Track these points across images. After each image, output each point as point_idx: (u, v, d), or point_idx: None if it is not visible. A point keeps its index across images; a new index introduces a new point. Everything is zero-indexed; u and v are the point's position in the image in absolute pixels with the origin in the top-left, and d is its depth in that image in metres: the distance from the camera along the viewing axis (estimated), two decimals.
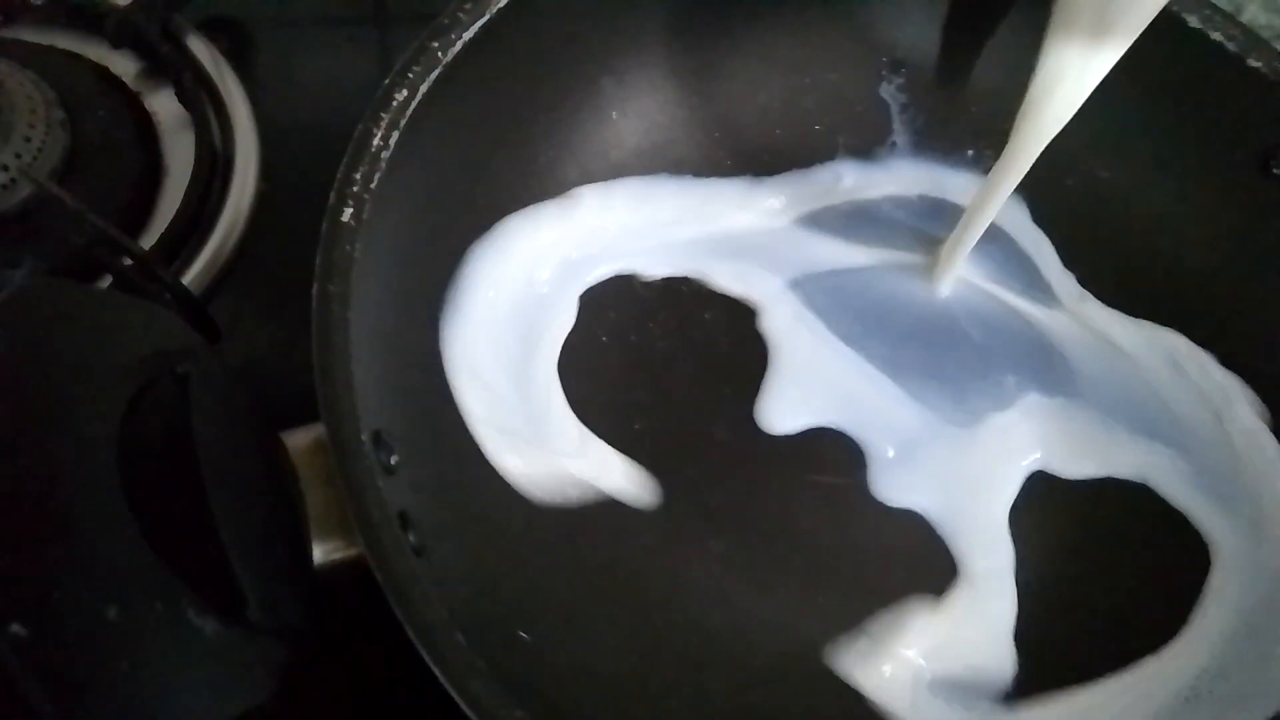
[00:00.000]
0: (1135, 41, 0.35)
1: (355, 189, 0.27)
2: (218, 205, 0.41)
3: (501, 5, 0.31)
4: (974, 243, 0.34)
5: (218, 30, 0.45)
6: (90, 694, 0.17)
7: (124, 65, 0.44)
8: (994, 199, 0.32)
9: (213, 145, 0.42)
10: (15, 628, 0.17)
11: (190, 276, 0.38)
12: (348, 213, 0.26)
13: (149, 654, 0.18)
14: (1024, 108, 0.30)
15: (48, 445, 0.19)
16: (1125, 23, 0.25)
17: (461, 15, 0.30)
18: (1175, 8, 0.36)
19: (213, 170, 0.41)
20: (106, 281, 0.37)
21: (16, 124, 0.37)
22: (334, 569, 0.23)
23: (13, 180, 0.37)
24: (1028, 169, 0.31)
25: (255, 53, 0.46)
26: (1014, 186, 0.32)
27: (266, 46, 0.47)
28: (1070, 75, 0.27)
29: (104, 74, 0.43)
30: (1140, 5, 0.25)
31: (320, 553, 0.23)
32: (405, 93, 0.29)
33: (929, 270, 0.36)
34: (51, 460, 0.19)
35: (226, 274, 0.39)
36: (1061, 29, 0.27)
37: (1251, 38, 0.35)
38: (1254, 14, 0.57)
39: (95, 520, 0.19)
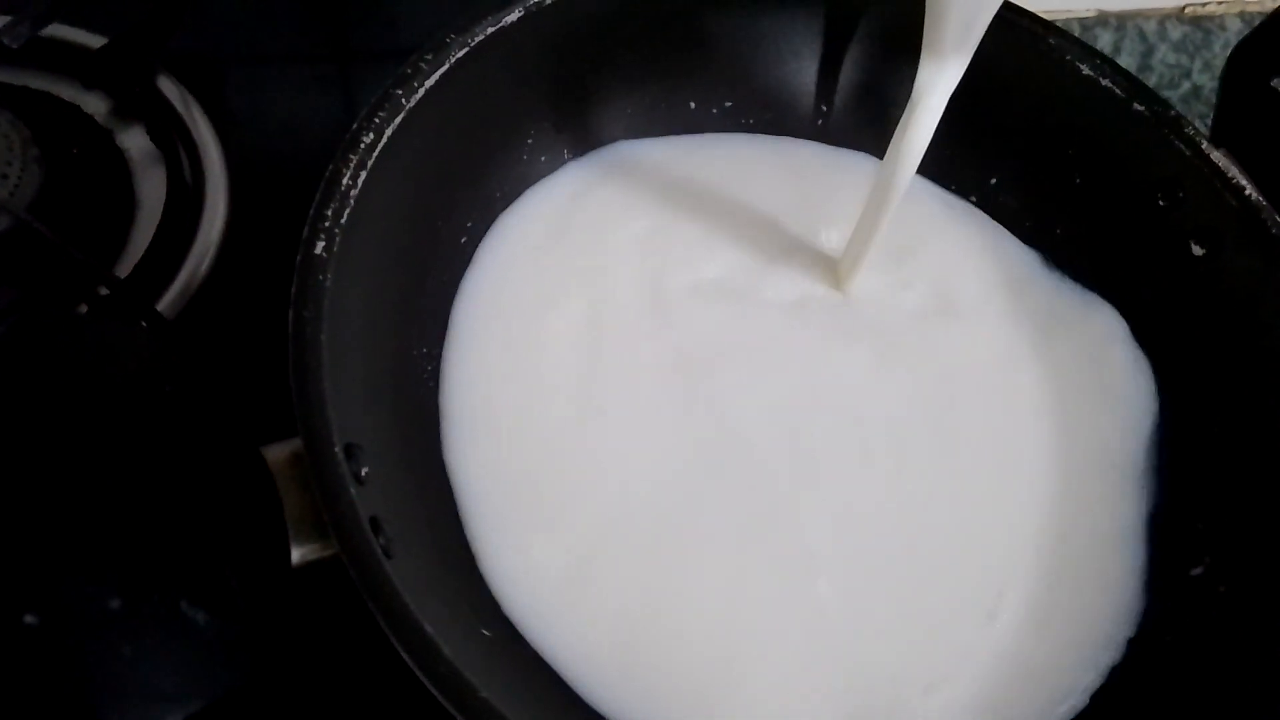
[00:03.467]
0: (1038, 86, 0.40)
1: (326, 224, 0.29)
2: (189, 237, 0.42)
3: (459, 56, 0.34)
4: (870, 253, 0.38)
5: (187, 68, 0.47)
6: (95, 676, 0.20)
7: (95, 105, 0.46)
8: (884, 209, 0.36)
9: (183, 179, 0.44)
10: (28, 618, 0.19)
11: (164, 304, 0.40)
12: (320, 245, 0.29)
13: (148, 640, 0.20)
14: (902, 119, 0.35)
15: (52, 456, 0.21)
16: (964, 45, 0.33)
17: (423, 65, 0.33)
18: (1069, 57, 0.40)
19: (183, 203, 0.43)
20: (83, 310, 0.38)
21: None
22: (310, 568, 0.26)
23: None
24: (910, 176, 0.35)
25: (224, 89, 0.48)
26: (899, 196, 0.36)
27: (235, 83, 0.49)
28: (932, 88, 0.34)
29: (76, 113, 0.45)
30: (971, 33, 0.33)
31: (298, 554, 0.26)
32: (371, 136, 0.31)
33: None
34: (55, 470, 0.21)
35: (198, 302, 0.41)
36: (926, 50, 0.34)
37: (1135, 84, 0.39)
38: (1164, 54, 0.62)
39: (96, 523, 0.21)
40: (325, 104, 0.50)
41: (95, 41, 0.46)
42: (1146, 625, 0.35)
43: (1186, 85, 0.60)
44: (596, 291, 0.37)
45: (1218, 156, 0.37)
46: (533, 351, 0.36)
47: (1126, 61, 0.59)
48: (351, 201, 0.30)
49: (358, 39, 0.52)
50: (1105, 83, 0.39)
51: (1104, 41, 0.60)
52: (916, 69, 0.34)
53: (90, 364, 0.24)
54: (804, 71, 0.43)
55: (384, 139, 0.31)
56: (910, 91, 0.34)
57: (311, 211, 0.29)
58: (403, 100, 0.32)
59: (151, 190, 0.44)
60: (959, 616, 0.34)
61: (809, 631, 0.33)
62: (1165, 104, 0.39)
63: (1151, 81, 0.58)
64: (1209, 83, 0.61)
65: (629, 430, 0.35)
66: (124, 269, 0.41)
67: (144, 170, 0.45)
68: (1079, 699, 0.33)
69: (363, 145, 0.31)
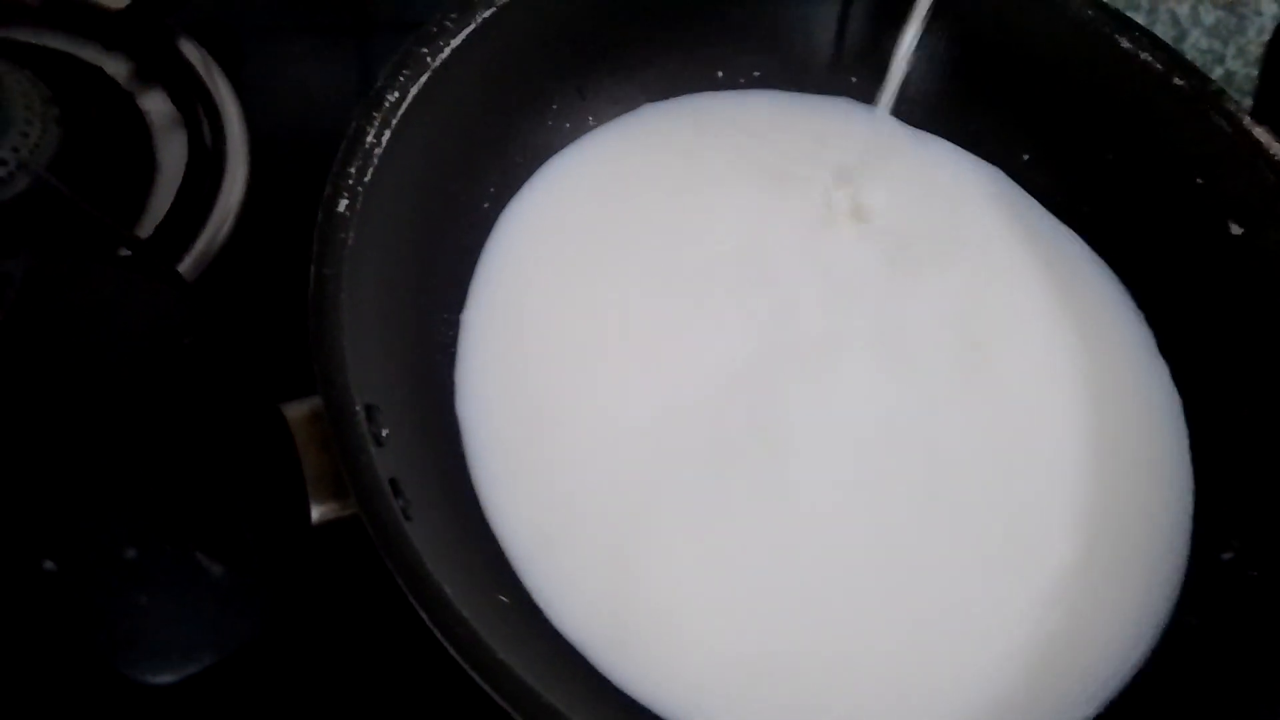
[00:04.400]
0: (1073, 59, 0.39)
1: (350, 181, 0.29)
2: (209, 201, 0.42)
3: (486, 16, 0.33)
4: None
5: (208, 34, 0.47)
6: (111, 622, 0.19)
7: (116, 67, 0.45)
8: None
9: (204, 144, 0.44)
10: (47, 564, 0.19)
11: (183, 268, 0.40)
12: (343, 203, 0.28)
13: (163, 590, 0.20)
14: None
15: (72, 405, 0.21)
16: None
17: (449, 24, 0.33)
18: (1107, 30, 0.39)
19: (204, 168, 0.43)
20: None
21: (14, 119, 0.39)
22: (329, 527, 0.25)
23: (10, 173, 0.38)
24: None
25: (244, 57, 0.48)
26: None
27: (255, 51, 0.49)
28: None
29: (98, 74, 0.45)
30: None
31: (317, 513, 0.25)
32: (396, 94, 0.31)
33: None
34: (74, 419, 0.21)
35: (218, 266, 0.41)
36: None
37: (1174, 57, 0.38)
38: (1196, 39, 0.61)
39: (114, 474, 0.21)
40: (343, 73, 0.50)
41: (117, 3, 0.45)
42: (1179, 609, 0.34)
43: (1220, 71, 0.59)
44: (619, 259, 0.37)
45: (1260, 132, 0.36)
46: (553, 321, 0.36)
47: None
48: (375, 160, 0.29)
49: (376, 10, 0.52)
50: (1144, 56, 0.38)
51: None
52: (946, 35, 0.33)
53: (110, 315, 0.24)
54: (830, 34, 0.42)
55: (409, 98, 0.31)
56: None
57: (334, 168, 0.29)
58: (428, 59, 0.32)
59: (172, 154, 0.44)
60: (986, 603, 0.33)
61: (838, 620, 0.32)
62: (1205, 78, 0.38)
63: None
64: (1243, 69, 0.59)
65: (653, 404, 0.35)
66: (144, 232, 0.41)
67: (164, 134, 0.44)
68: (1116, 683, 0.33)
69: (388, 103, 0.30)
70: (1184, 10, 0.60)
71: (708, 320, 0.36)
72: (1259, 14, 0.61)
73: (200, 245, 0.41)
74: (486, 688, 0.23)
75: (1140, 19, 0.59)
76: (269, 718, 0.32)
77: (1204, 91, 0.38)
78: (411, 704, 0.33)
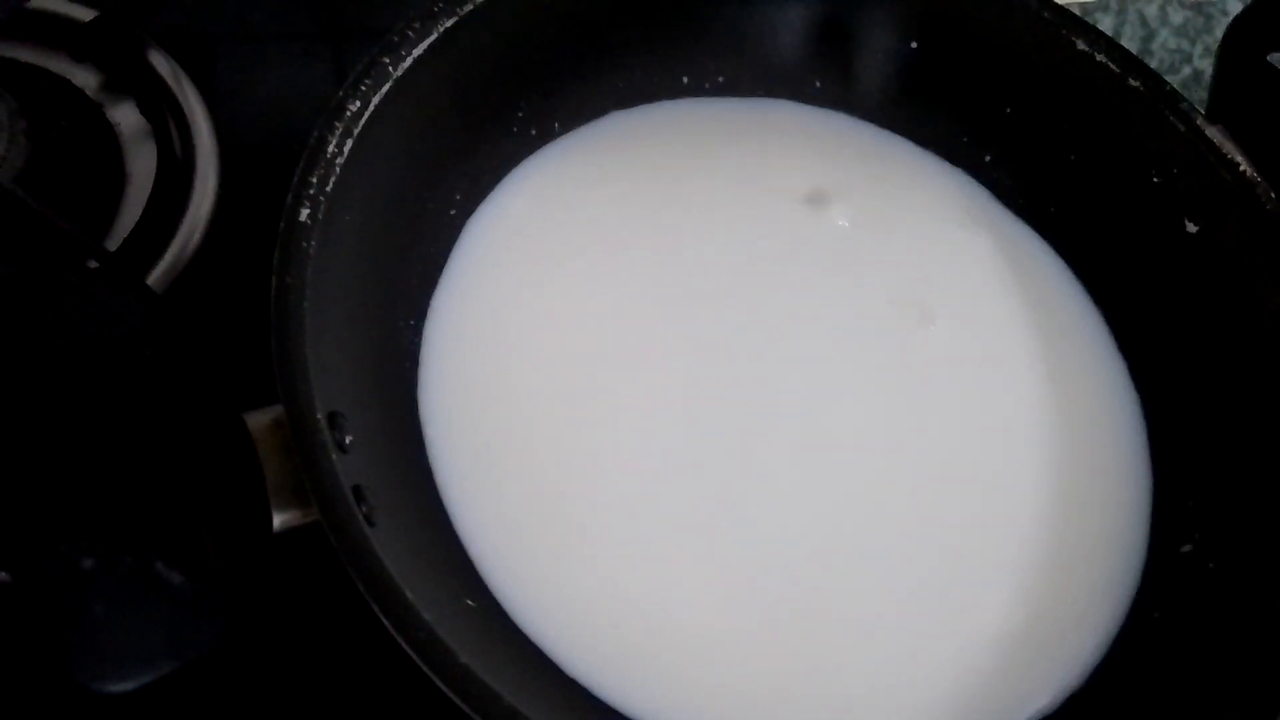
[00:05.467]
0: (1034, 62, 0.40)
1: (311, 191, 0.29)
2: (179, 212, 0.42)
3: (447, 26, 0.34)
4: None
5: (178, 44, 0.46)
6: (67, 632, 0.19)
7: (85, 78, 0.45)
8: None
9: (174, 154, 0.44)
10: (1, 575, 0.19)
11: (152, 279, 0.40)
12: (304, 212, 0.28)
13: (120, 601, 0.20)
14: None
15: (30, 414, 0.21)
16: None
17: (410, 33, 0.33)
18: (1065, 33, 0.39)
19: (174, 179, 0.43)
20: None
21: None
22: (292, 535, 0.26)
23: None
24: None
25: (215, 67, 0.48)
26: None
27: (226, 59, 0.49)
28: None
29: (66, 86, 0.45)
30: None
31: (279, 520, 0.25)
32: (358, 104, 0.31)
33: None
34: (32, 427, 0.21)
35: (187, 276, 0.41)
36: None
37: (1130, 60, 0.39)
38: (1165, 39, 0.61)
39: (71, 482, 0.21)
40: (316, 82, 0.50)
41: (85, 15, 0.45)
42: (1138, 601, 0.34)
43: (1188, 70, 0.59)
44: (584, 266, 0.37)
45: (1213, 132, 0.37)
46: (518, 328, 0.36)
47: (1127, 45, 0.58)
48: (337, 170, 0.30)
49: (350, 16, 0.52)
50: (1100, 58, 0.39)
51: (1104, 26, 0.59)
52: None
53: (69, 325, 0.24)
54: (792, 38, 0.42)
55: (370, 107, 0.31)
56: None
57: (295, 178, 0.29)
58: (390, 69, 0.32)
59: (142, 165, 0.44)
60: (948, 594, 0.34)
61: (786, 617, 0.33)
62: (1160, 80, 0.39)
63: (1152, 66, 0.58)
64: (1210, 68, 0.60)
65: (617, 408, 0.35)
66: (113, 243, 0.41)
67: (134, 145, 0.44)
68: (1076, 674, 0.33)
69: (349, 113, 0.31)
70: (1152, 10, 0.61)
71: (672, 325, 0.37)
72: (1225, 14, 0.62)
73: (170, 256, 0.41)
74: (449, 692, 0.24)
75: (1109, 20, 0.60)
76: None
77: (1159, 92, 0.38)
78: (376, 711, 0.33)
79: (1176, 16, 0.62)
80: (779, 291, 0.39)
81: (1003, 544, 0.35)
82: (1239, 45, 0.39)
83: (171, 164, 0.44)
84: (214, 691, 0.29)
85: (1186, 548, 0.35)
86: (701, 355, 0.36)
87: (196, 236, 0.42)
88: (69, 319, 0.24)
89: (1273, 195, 0.36)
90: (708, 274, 0.38)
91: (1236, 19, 0.40)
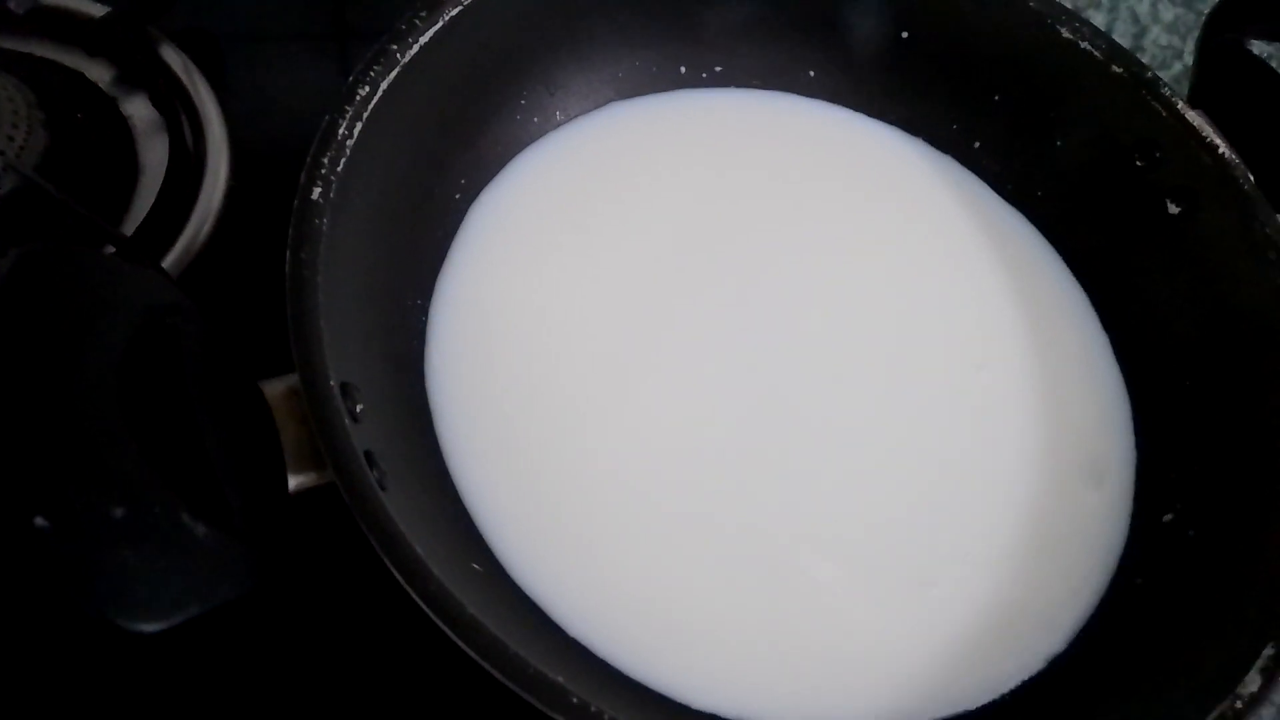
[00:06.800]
0: (1020, 50, 0.41)
1: (323, 171, 0.30)
2: (190, 203, 0.43)
3: (453, 14, 0.35)
4: None
5: (189, 41, 0.48)
6: (99, 578, 0.21)
7: (99, 72, 0.47)
8: None
9: (185, 147, 0.45)
10: (39, 520, 0.20)
11: (165, 265, 0.41)
12: (316, 191, 0.30)
13: (149, 547, 0.21)
14: None
15: (61, 378, 0.22)
16: None
17: (418, 22, 0.34)
18: (1050, 20, 0.41)
19: (185, 171, 0.44)
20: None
21: (1, 123, 0.40)
22: (308, 495, 0.27)
23: None
24: None
25: (225, 62, 0.49)
26: None
27: (236, 57, 0.50)
28: None
29: (81, 80, 0.46)
30: None
31: (295, 482, 0.27)
32: (367, 89, 0.32)
33: None
34: (64, 391, 0.22)
35: (198, 266, 0.42)
36: None
37: (1113, 46, 0.40)
38: (1156, 35, 0.63)
39: (102, 439, 0.22)
40: (321, 79, 0.52)
41: (97, 11, 0.47)
42: (1122, 569, 0.36)
43: (1179, 66, 0.60)
44: (584, 250, 0.38)
45: (1193, 116, 0.38)
46: (520, 309, 0.37)
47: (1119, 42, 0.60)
48: (347, 151, 0.31)
49: (353, 17, 0.53)
50: (1084, 45, 0.40)
51: (1097, 23, 0.60)
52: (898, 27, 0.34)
53: (98, 294, 0.25)
54: (787, 29, 0.44)
55: (379, 92, 0.32)
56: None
57: (309, 159, 0.30)
58: (397, 55, 0.33)
59: (154, 157, 0.45)
60: (938, 566, 0.35)
61: (784, 591, 0.34)
62: (1142, 65, 0.40)
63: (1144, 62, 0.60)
64: None
65: (617, 385, 0.36)
66: (127, 231, 0.42)
67: (147, 138, 0.45)
68: (1058, 641, 0.34)
69: (359, 97, 0.32)
70: (1143, 7, 0.62)
71: (668, 305, 0.38)
72: None
73: (182, 245, 0.42)
74: (458, 640, 0.25)
75: (1101, 16, 0.61)
76: (253, 670, 0.34)
77: (1141, 78, 0.40)
78: (387, 660, 0.34)
79: (1168, 13, 0.63)
80: (773, 275, 0.40)
81: (990, 516, 0.36)
82: (1218, 32, 0.40)
83: (183, 156, 0.45)
84: (236, 639, 0.30)
85: (1168, 517, 0.36)
86: (696, 330, 0.37)
87: (207, 226, 0.43)
88: (95, 290, 0.25)
89: (1250, 177, 0.37)
90: (703, 257, 0.39)
91: (1215, 7, 0.41)
